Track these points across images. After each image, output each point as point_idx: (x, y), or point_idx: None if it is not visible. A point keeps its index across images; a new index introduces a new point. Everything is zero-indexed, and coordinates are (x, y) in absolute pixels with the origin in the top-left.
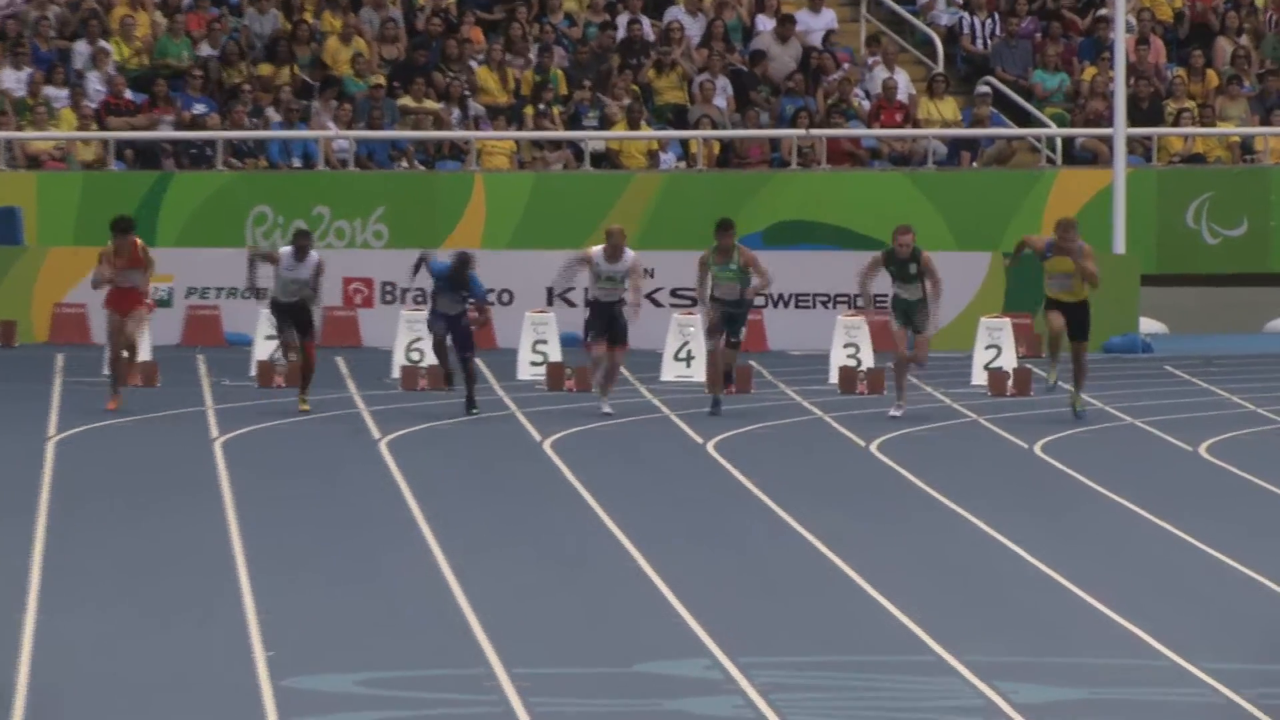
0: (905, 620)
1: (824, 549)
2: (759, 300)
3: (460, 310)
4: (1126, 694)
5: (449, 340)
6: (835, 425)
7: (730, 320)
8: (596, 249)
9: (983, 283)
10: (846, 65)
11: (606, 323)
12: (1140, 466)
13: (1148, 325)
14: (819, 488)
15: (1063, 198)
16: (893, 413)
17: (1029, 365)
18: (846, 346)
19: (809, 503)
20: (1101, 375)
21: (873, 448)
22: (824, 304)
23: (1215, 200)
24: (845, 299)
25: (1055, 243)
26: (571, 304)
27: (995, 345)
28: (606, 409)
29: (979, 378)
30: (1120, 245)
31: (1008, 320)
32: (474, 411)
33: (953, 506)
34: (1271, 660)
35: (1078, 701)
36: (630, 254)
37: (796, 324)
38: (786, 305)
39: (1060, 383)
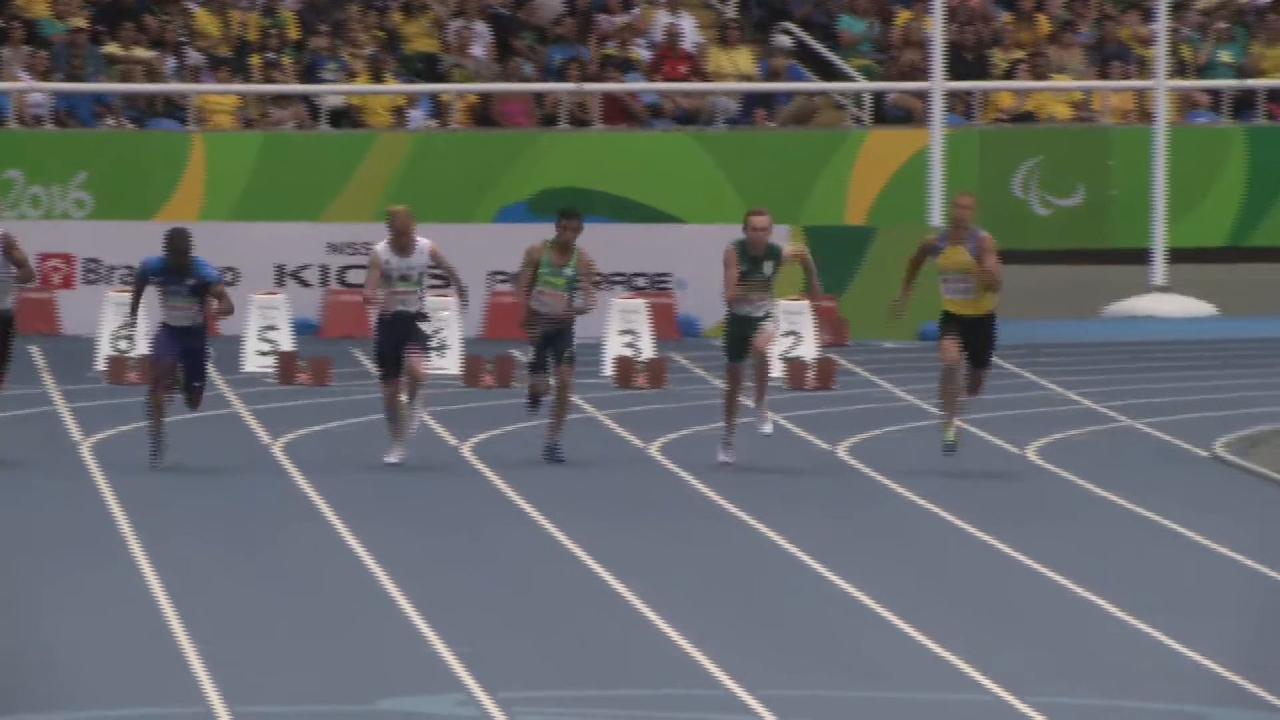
0: (692, 650)
1: (599, 569)
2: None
3: (195, 320)
4: None
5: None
6: (610, 424)
7: (552, 341)
8: (381, 244)
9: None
10: (632, 11)
11: (396, 343)
12: (960, 472)
13: None
14: (591, 499)
15: (872, 162)
16: (724, 458)
17: (832, 355)
18: (623, 334)
19: (580, 516)
20: (915, 366)
21: (653, 449)
22: (596, 284)
23: (1047, 165)
24: (622, 278)
25: (948, 229)
26: (305, 283)
27: (794, 332)
28: (393, 459)
29: (774, 369)
30: (937, 216)
31: (808, 303)
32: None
33: (745, 518)
34: (1105, 695)
35: None
36: (425, 243)
37: None
38: None
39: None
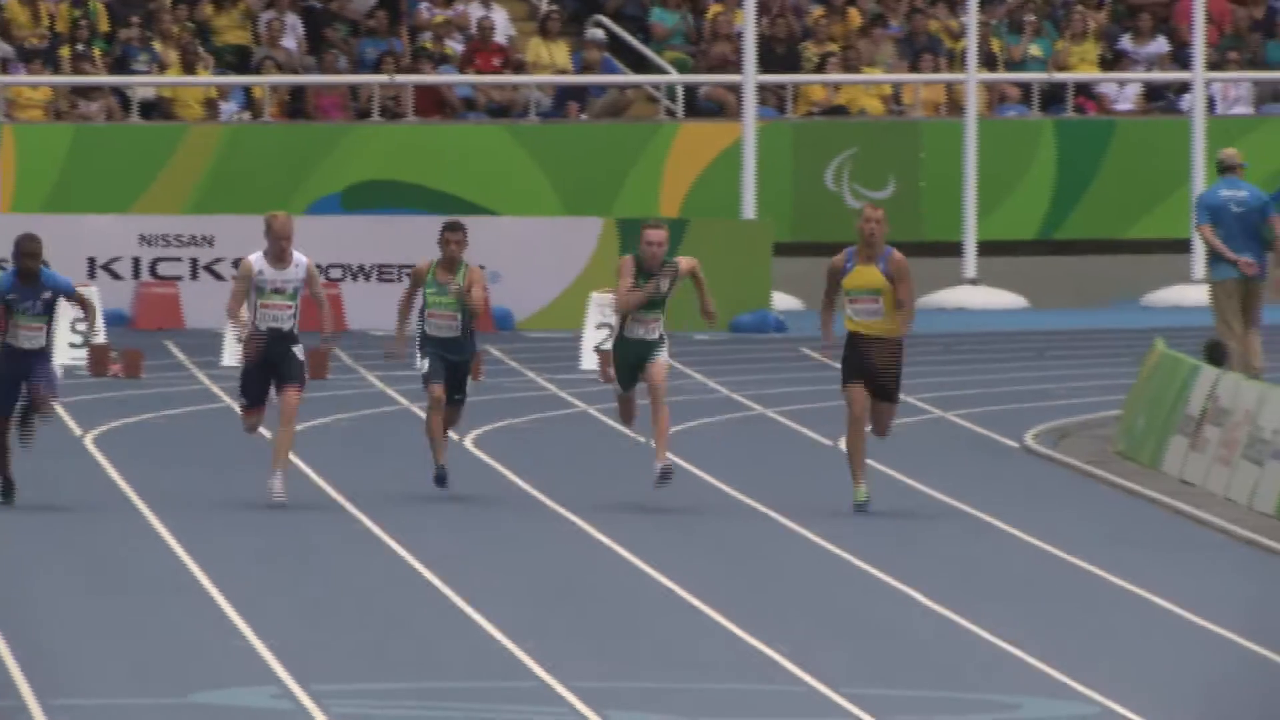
0: (505, 641)
1: (413, 561)
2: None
3: (43, 342)
4: None
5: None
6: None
7: (451, 371)
8: (255, 254)
9: (593, 253)
10: (455, 8)
11: (265, 370)
12: (775, 465)
13: (781, 300)
14: (405, 491)
15: (685, 154)
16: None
17: None
18: None
19: (395, 508)
20: (728, 358)
21: (467, 442)
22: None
23: (859, 158)
24: None
25: (856, 247)
26: (117, 275)
27: (607, 324)
28: (278, 497)
29: (589, 361)
30: (750, 209)
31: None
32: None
33: (560, 511)
34: (921, 686)
35: None
36: (302, 258)
37: (380, 299)
38: (368, 278)
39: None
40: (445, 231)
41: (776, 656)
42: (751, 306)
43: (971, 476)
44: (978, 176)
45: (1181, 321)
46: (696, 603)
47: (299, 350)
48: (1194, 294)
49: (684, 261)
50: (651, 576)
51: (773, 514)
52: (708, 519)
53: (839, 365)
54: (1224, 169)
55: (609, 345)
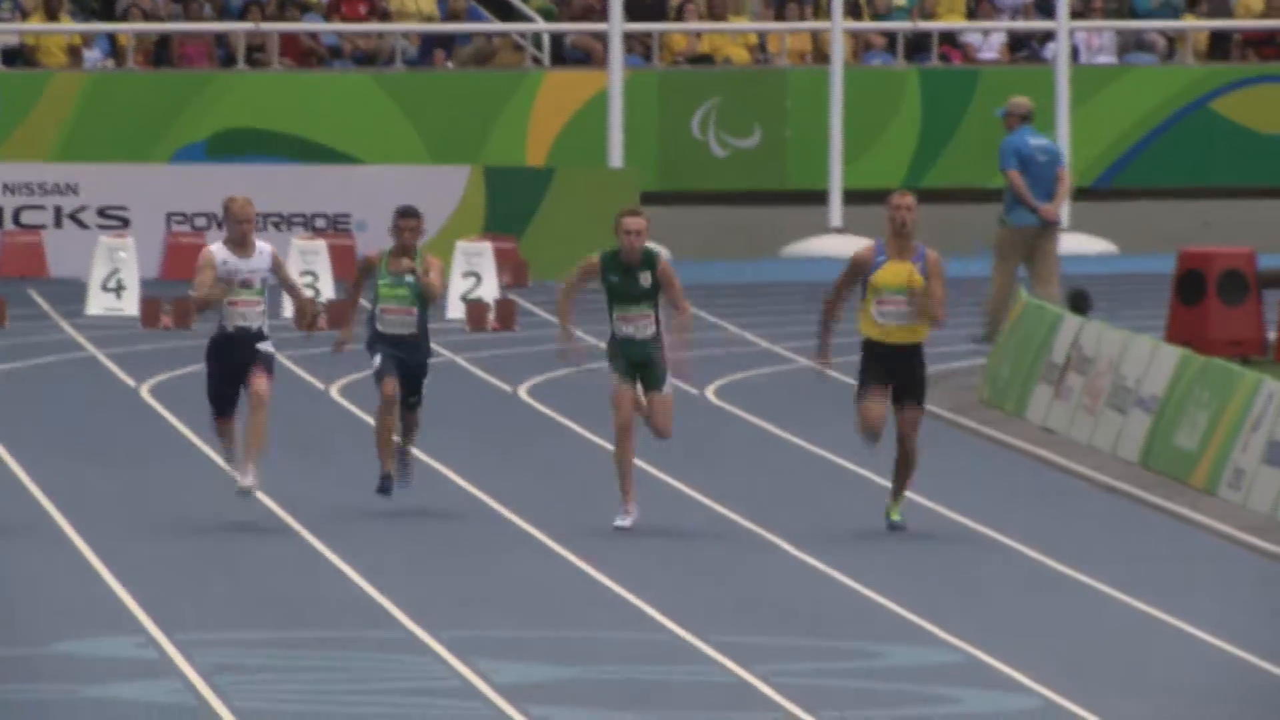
0: (372, 591)
1: (279, 510)
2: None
3: None
4: (623, 672)
5: None
6: (293, 367)
7: (407, 373)
8: (215, 244)
9: (460, 201)
10: None
11: (232, 376)
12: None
13: None
14: (273, 441)
15: (551, 103)
16: (620, 522)
17: (513, 296)
18: (303, 275)
19: (267, 461)
20: (594, 305)
21: (334, 391)
22: (276, 225)
23: (725, 107)
24: (301, 219)
25: (887, 239)
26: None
27: (474, 273)
28: (248, 482)
29: (456, 310)
30: (617, 158)
31: (489, 245)
32: None
33: (426, 459)
34: (785, 634)
35: (568, 680)
36: (266, 246)
37: None
38: None
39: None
40: (399, 218)
41: (642, 604)
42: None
43: (834, 424)
44: (843, 125)
45: None
46: (561, 550)
47: (267, 345)
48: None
49: (665, 265)
50: (515, 523)
51: (640, 462)
52: (573, 465)
53: (830, 372)
54: (1024, 118)
55: (477, 296)
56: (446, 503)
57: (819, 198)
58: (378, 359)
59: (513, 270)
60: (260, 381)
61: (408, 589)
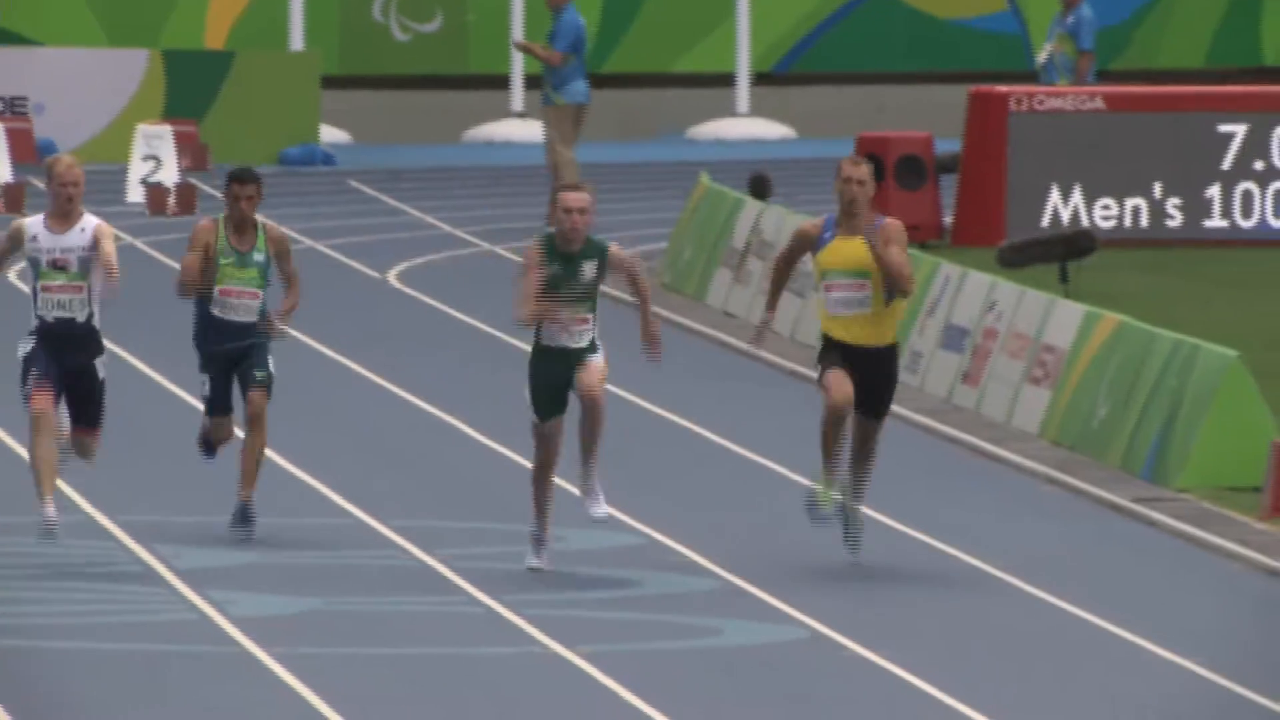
0: (100, 517)
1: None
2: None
3: None
4: (306, 557)
5: None
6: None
7: (236, 361)
8: (37, 216)
9: (140, 85)
10: None
11: (54, 374)
12: (325, 298)
13: (329, 134)
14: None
15: None
16: (533, 562)
17: (193, 180)
18: None
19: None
20: (277, 191)
21: (11, 276)
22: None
23: None
24: None
25: (837, 214)
26: None
27: (154, 156)
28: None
29: (135, 194)
30: (298, 42)
31: (169, 128)
32: None
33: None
34: (468, 518)
35: (249, 565)
36: (93, 220)
37: None
38: None
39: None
40: (233, 183)
41: (326, 490)
42: (300, 140)
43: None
44: (524, 9)
45: (727, 155)
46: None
47: (100, 365)
48: (739, 128)
49: (619, 251)
50: (195, 408)
51: (324, 349)
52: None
53: (761, 354)
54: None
55: (157, 180)
56: (129, 398)
57: (501, 82)
58: (207, 384)
59: (193, 154)
60: (87, 442)
61: (88, 476)
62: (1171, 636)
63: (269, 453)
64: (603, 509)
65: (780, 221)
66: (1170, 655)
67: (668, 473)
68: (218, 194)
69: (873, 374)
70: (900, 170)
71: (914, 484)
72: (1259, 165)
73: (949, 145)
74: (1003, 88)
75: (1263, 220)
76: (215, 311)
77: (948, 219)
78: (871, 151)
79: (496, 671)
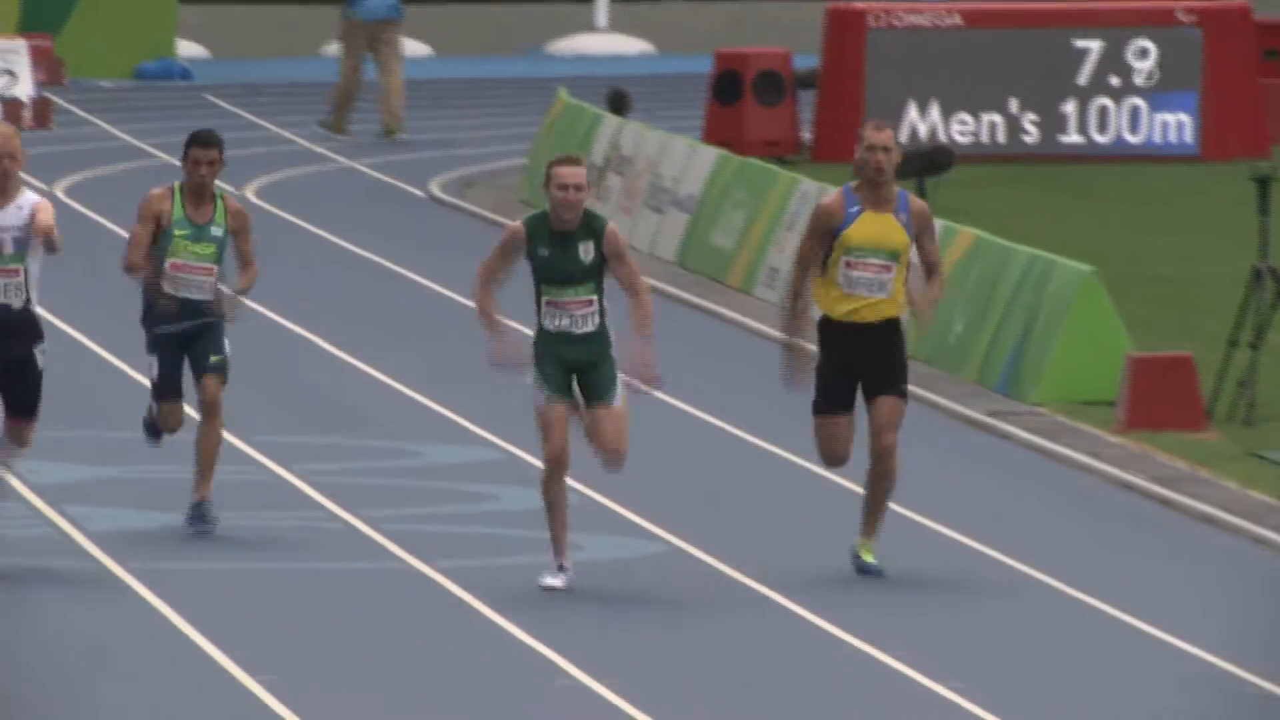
0: None
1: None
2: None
3: None
4: (163, 472)
5: None
6: None
7: (190, 342)
8: None
9: None
10: None
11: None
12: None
13: (186, 48)
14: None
15: None
16: (550, 581)
17: (49, 94)
18: None
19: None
20: (133, 105)
21: None
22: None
23: None
24: None
25: (858, 184)
26: None
27: (9, 71)
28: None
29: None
30: None
31: (24, 42)
32: None
33: None
34: (326, 432)
35: (105, 480)
36: (33, 198)
37: None
38: None
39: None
40: (193, 147)
41: (185, 407)
42: (156, 54)
43: (375, 223)
44: None
45: (586, 71)
46: (102, 351)
47: (40, 354)
48: (599, 43)
49: (613, 231)
50: (58, 326)
51: None
52: (104, 264)
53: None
54: None
55: (13, 95)
56: None
57: None
58: (155, 364)
59: (48, 68)
60: (22, 432)
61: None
62: (1023, 550)
63: (120, 364)
64: (556, 580)
65: (638, 137)
66: (1021, 566)
67: (528, 391)
68: (74, 109)
69: (876, 349)
70: (759, 86)
71: (773, 399)
72: (1115, 81)
73: (808, 61)
74: (860, 4)
75: (1118, 136)
76: (166, 288)
77: (806, 134)
78: (730, 67)
79: (355, 586)
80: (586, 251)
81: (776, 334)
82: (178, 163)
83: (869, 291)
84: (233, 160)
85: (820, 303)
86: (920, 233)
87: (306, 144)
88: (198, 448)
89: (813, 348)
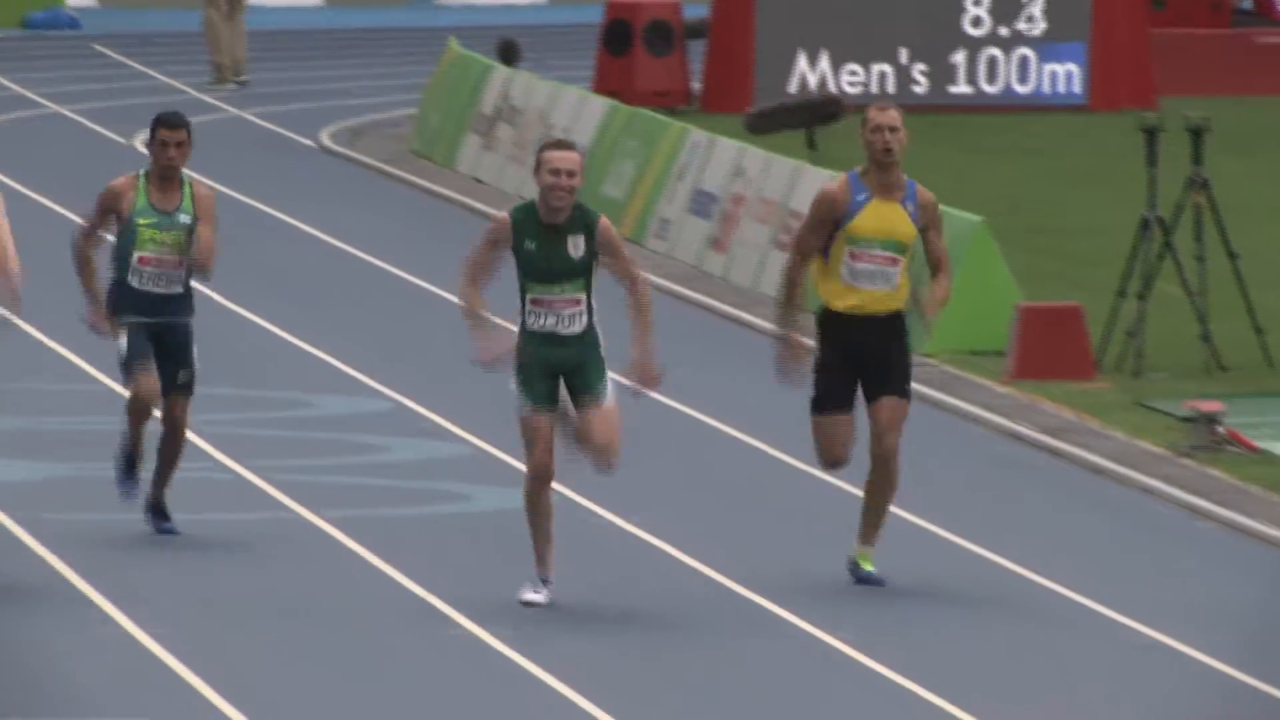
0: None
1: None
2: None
3: None
4: (52, 424)
5: None
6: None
7: (161, 337)
8: None
9: None
10: None
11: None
12: (69, 163)
13: None
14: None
15: None
16: (532, 596)
17: None
18: None
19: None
20: (22, 55)
21: None
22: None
23: None
24: None
25: (865, 169)
26: None
27: None
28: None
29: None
30: None
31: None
32: None
33: None
34: (222, 384)
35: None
36: None
37: None
38: None
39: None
40: (160, 129)
41: (74, 357)
42: (44, 4)
43: (267, 174)
44: None
45: (476, 20)
46: None
47: None
48: None
49: (606, 226)
50: None
51: (60, 209)
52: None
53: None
54: None
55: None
56: None
57: None
58: (124, 339)
59: None
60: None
61: None
62: (916, 502)
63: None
64: (538, 595)
65: (529, 87)
66: (912, 518)
67: (419, 341)
68: None
69: (880, 345)
70: (649, 35)
71: (666, 352)
72: (1004, 31)
73: (697, 11)
74: None
75: (1007, 86)
76: (133, 283)
77: (696, 84)
78: (620, 17)
79: (245, 537)
80: (576, 246)
81: (770, 328)
82: (68, 112)
83: (873, 284)
84: (121, 110)
85: (821, 294)
86: (927, 225)
87: (196, 94)
88: (159, 458)
89: (810, 342)
